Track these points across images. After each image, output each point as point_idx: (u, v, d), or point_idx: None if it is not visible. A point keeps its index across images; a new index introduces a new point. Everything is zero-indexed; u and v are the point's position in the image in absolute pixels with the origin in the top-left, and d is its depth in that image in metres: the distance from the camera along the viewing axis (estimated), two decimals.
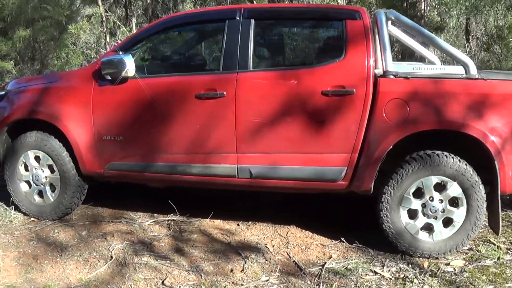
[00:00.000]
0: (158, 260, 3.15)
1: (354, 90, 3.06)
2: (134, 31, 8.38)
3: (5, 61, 9.33)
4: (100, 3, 8.39)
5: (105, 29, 8.60)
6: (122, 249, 3.31)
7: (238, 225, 3.72)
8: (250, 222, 3.74)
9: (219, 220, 3.78)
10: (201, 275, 2.97)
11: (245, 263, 3.13)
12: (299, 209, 4.03)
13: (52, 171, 3.73)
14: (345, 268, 3.06)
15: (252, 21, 3.30)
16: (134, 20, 10.45)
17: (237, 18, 3.31)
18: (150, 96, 3.40)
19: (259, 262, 3.15)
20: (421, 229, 3.15)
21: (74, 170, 3.67)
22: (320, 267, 3.08)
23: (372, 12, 3.24)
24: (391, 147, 3.06)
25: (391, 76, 3.09)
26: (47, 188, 3.76)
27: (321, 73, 3.14)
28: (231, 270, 3.04)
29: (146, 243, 3.40)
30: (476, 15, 6.54)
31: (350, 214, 3.95)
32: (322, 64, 3.19)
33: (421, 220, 3.14)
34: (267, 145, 3.25)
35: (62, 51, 9.31)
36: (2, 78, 9.81)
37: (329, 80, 3.11)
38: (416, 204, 3.13)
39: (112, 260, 3.15)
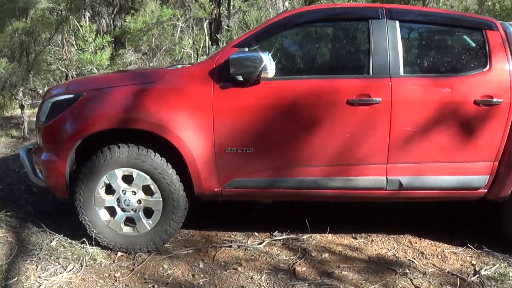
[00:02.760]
0: None
1: (502, 100, 3.11)
2: (87, 26, 7.14)
3: None
4: None
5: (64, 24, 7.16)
6: (270, 280, 2.84)
7: (354, 238, 3.48)
8: (363, 234, 3.53)
9: (330, 235, 3.49)
10: None
11: (412, 280, 2.96)
12: (388, 215, 3.94)
13: (148, 193, 3.00)
14: (498, 273, 3.11)
15: (397, 22, 3.10)
16: (87, 13, 8.93)
17: (381, 18, 3.09)
18: (289, 101, 2.96)
19: (419, 277, 3.01)
20: None
21: (183, 191, 3.01)
22: (476, 275, 3.08)
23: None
24: None
25: None
26: (141, 214, 3.02)
27: (471, 82, 3.10)
28: None
29: (288, 271, 2.97)
30: None
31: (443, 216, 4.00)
32: (470, 73, 3.14)
33: None
34: (417, 155, 3.09)
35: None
36: None
37: (479, 89, 3.08)
38: None
39: None
